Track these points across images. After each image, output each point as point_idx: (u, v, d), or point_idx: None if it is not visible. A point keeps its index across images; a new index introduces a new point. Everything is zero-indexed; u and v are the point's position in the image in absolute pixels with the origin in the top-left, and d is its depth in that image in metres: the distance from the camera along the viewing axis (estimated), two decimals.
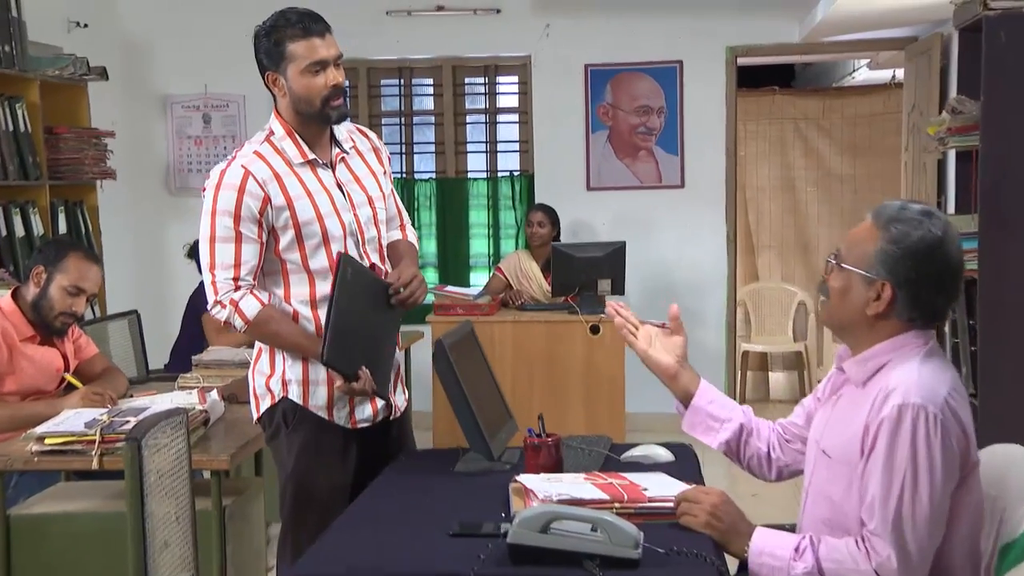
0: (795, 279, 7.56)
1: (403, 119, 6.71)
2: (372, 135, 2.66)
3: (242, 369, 3.60)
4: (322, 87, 2.39)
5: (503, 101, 6.66)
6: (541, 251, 5.73)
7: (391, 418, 2.67)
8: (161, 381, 4.01)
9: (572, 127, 6.43)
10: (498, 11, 6.42)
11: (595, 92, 6.41)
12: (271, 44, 2.39)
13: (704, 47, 6.35)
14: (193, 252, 4.73)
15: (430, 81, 6.66)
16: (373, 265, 2.51)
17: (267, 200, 2.37)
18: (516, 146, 6.65)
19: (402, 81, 6.68)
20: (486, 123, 6.66)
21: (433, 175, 6.71)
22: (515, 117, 6.66)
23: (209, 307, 2.48)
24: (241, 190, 2.36)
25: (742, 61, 6.44)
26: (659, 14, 6.35)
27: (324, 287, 2.45)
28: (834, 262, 2.01)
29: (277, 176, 2.39)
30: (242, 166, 2.39)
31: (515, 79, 6.62)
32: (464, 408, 2.44)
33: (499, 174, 6.64)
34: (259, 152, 2.42)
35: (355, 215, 2.49)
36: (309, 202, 2.42)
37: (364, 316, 2.44)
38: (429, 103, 6.71)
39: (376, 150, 2.63)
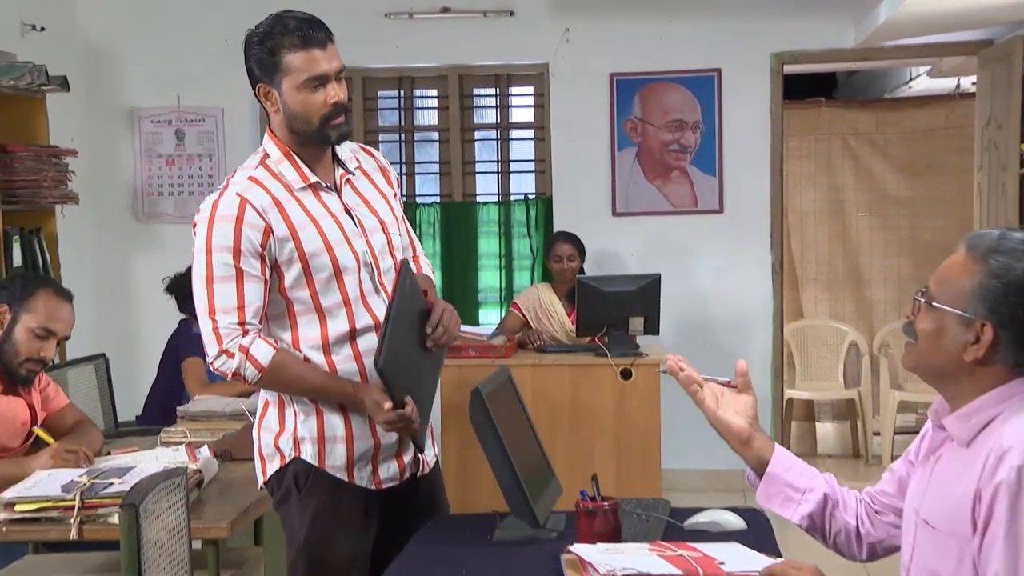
0: (845, 316, 7.52)
1: (403, 135, 6.73)
2: (378, 154, 2.68)
3: (235, 421, 3.61)
4: (321, 104, 2.41)
5: (517, 115, 6.68)
6: (563, 285, 5.74)
7: (419, 475, 2.67)
8: (136, 436, 3.97)
9: (595, 144, 6.41)
10: (511, 13, 6.39)
11: (622, 105, 6.41)
12: (264, 53, 2.40)
13: (745, 53, 6.32)
14: (174, 287, 4.74)
15: (434, 93, 6.68)
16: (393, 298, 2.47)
17: (268, 231, 2.38)
18: (531, 166, 6.65)
19: (402, 93, 6.71)
20: (497, 140, 6.68)
21: (437, 199, 6.74)
22: (530, 133, 6.67)
23: (211, 359, 2.46)
24: (239, 221, 2.36)
25: (788, 69, 6.39)
26: (694, 16, 6.35)
27: (338, 327, 2.45)
28: (923, 300, 1.99)
29: (277, 203, 2.41)
30: (237, 194, 2.40)
31: (530, 90, 6.65)
32: (505, 467, 2.43)
33: (512, 198, 6.65)
34: (255, 178, 2.44)
35: (368, 243, 2.51)
36: (315, 230, 2.43)
37: (411, 342, 2.47)
38: (433, 117, 6.74)
39: (383, 170, 2.66)
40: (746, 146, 6.36)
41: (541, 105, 6.54)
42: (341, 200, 2.51)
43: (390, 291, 2.50)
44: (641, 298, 5.19)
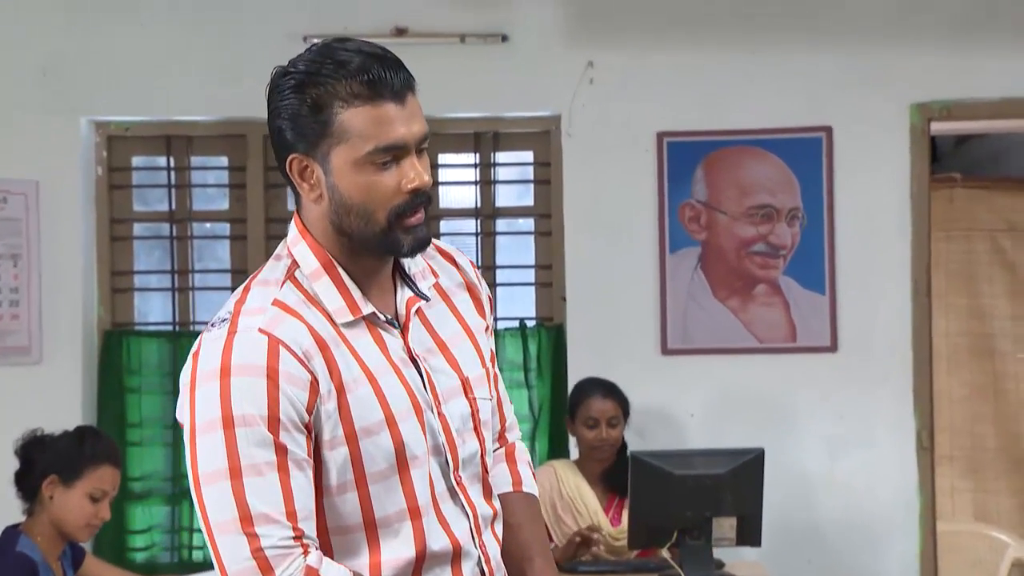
0: (1001, 517, 6.66)
1: None
2: (462, 259, 2.40)
3: None
4: (393, 191, 2.09)
5: (507, 196, 5.95)
6: (596, 464, 5.09)
7: None
8: None
9: (634, 242, 5.64)
10: (504, 38, 5.55)
11: (676, 181, 5.62)
12: (304, 106, 2.06)
13: (871, 104, 5.52)
14: (24, 478, 4.03)
15: None
16: (476, 514, 2.22)
17: (315, 388, 2.07)
18: (531, 275, 5.87)
19: None
20: (477, 234, 5.88)
21: None
22: (530, 224, 5.88)
23: None
24: (273, 374, 2.03)
25: (936, 129, 5.62)
26: (790, 47, 5.60)
27: (399, 552, 2.16)
28: None
29: (321, 344, 2.10)
30: (262, 331, 2.06)
31: (530, 157, 5.84)
32: None
33: (501, 324, 5.81)
34: (283, 303, 2.10)
35: (441, 415, 2.20)
36: (372, 393, 2.13)
37: None
38: None
39: (471, 287, 2.38)
40: (873, 247, 5.58)
41: (548, 180, 5.77)
42: (406, 343, 2.21)
43: (472, 497, 2.26)
44: (733, 487, 4.65)
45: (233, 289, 5.72)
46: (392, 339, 2.23)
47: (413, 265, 2.31)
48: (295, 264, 2.20)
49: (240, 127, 5.42)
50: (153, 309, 5.58)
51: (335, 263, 2.20)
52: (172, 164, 5.71)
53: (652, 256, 5.65)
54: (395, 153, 2.12)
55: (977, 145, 7.70)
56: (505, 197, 5.92)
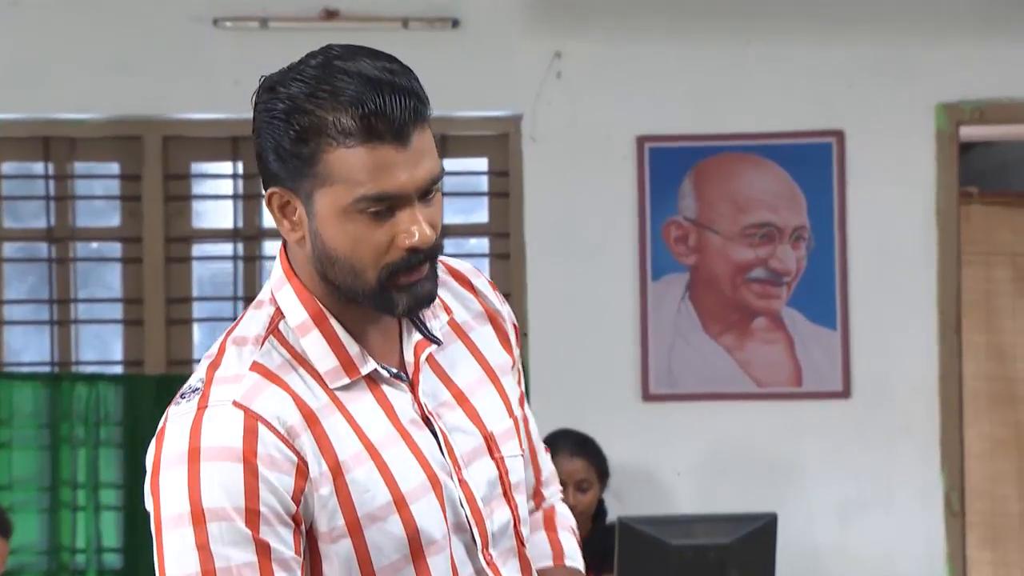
0: None
1: (242, 245, 5.71)
2: (480, 280, 2.20)
3: None
4: (384, 248, 1.94)
5: (457, 210, 5.80)
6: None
7: None
8: None
9: (610, 267, 5.39)
10: (455, 23, 5.32)
11: (660, 194, 5.39)
12: (288, 137, 1.93)
13: (889, 105, 5.30)
14: None
15: None
16: None
17: (303, 471, 1.95)
18: None
19: (239, 167, 5.67)
20: None
21: None
22: (484, 245, 5.76)
23: None
24: (250, 459, 1.92)
25: (966, 134, 5.46)
26: (794, 36, 5.38)
27: None
28: None
29: (310, 417, 1.97)
30: (237, 405, 1.94)
31: (484, 165, 5.67)
32: None
33: None
34: (263, 366, 1.99)
35: (463, 484, 2.05)
36: (377, 472, 2.00)
37: None
38: None
39: (492, 315, 2.21)
40: (892, 274, 5.35)
41: (506, 193, 5.55)
42: (417, 399, 2.05)
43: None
44: (741, 560, 4.56)
45: (126, 323, 5.90)
46: (400, 397, 2.07)
47: None
48: (279, 314, 2.06)
49: (135, 127, 5.12)
50: (27, 346, 5.35)
51: (326, 313, 2.05)
52: (51, 171, 5.41)
53: (631, 284, 5.39)
54: (389, 203, 1.95)
55: (982, 154, 7.34)
56: (454, 213, 5.68)
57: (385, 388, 2.06)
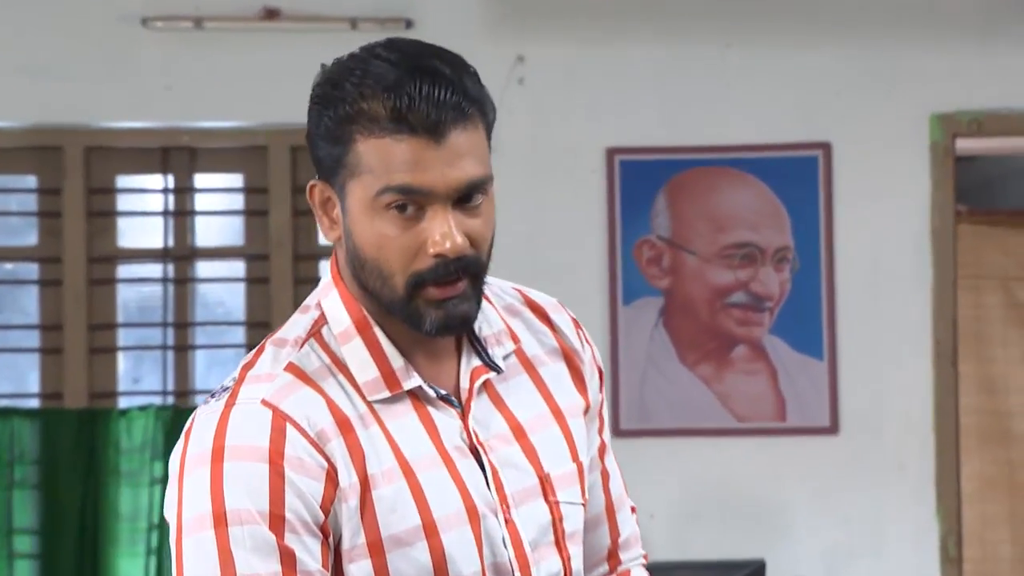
0: None
1: (172, 264, 5.52)
2: (561, 316, 2.13)
3: None
4: (412, 251, 1.89)
5: None
6: None
7: None
8: None
9: (578, 290, 5.21)
10: (408, 24, 5.24)
11: (632, 212, 5.31)
12: (324, 124, 1.92)
13: (880, 115, 5.23)
14: None
15: (239, 177, 5.62)
16: None
17: (333, 479, 1.92)
18: None
19: (172, 178, 5.49)
20: None
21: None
22: None
23: None
24: (277, 460, 1.89)
25: (963, 147, 5.38)
26: (777, 40, 5.31)
27: None
28: None
29: (344, 423, 1.93)
30: (266, 403, 1.91)
31: None
32: None
33: None
34: (298, 367, 1.95)
35: (509, 524, 2.00)
36: (408, 492, 1.95)
37: None
38: (236, 229, 5.64)
39: (568, 354, 2.11)
40: (883, 298, 5.26)
41: None
42: (466, 426, 1.98)
43: None
44: None
45: (43, 352, 5.68)
46: (446, 421, 2.00)
47: (486, 326, 2.08)
48: (323, 319, 2.03)
49: (54, 136, 4.96)
50: None
51: (371, 321, 2.01)
52: None
53: (600, 308, 5.26)
54: (416, 199, 1.87)
55: (966, 169, 6.92)
56: None
57: (431, 409, 2.00)
